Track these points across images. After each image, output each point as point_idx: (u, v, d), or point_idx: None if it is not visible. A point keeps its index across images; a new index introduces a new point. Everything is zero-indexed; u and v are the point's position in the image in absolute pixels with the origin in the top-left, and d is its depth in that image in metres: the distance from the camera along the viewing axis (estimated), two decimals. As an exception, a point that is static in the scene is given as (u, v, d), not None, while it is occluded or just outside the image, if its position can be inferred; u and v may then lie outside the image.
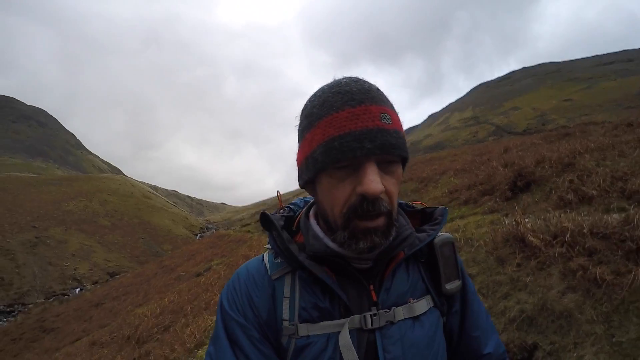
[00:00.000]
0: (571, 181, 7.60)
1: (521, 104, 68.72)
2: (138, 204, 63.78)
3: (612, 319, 3.11)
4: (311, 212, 1.24)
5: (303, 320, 1.11)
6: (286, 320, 1.12)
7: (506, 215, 7.17)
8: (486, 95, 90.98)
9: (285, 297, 1.14)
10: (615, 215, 4.76)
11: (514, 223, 5.36)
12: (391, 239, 1.09)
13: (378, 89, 1.09)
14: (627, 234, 3.96)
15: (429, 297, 1.22)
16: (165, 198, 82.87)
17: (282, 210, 1.34)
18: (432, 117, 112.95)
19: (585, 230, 4.35)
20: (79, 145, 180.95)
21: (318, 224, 1.19)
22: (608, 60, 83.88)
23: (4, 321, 27.38)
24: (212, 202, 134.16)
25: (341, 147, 0.99)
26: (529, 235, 4.80)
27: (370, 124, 0.99)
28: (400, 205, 1.31)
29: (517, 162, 10.74)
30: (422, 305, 1.18)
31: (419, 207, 1.37)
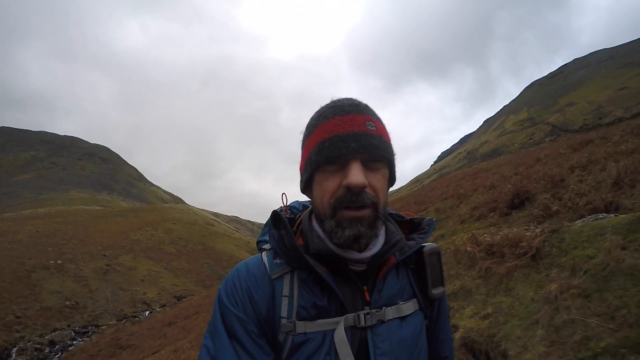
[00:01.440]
0: (547, 199, 8.77)
1: (576, 99, 66.87)
2: (201, 231, 65.30)
3: (491, 292, 4.95)
4: (313, 215, 1.32)
5: (301, 318, 1.17)
6: (284, 318, 1.18)
7: (500, 228, 7.98)
8: (540, 94, 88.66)
9: (284, 296, 1.20)
10: (532, 230, 6.18)
11: (470, 236, 6.98)
12: (378, 232, 1.20)
13: (367, 105, 1.25)
14: (524, 243, 5.55)
15: (415, 300, 1.31)
16: (227, 224, 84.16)
17: (284, 213, 1.40)
18: (488, 123, 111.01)
19: (499, 241, 6.05)
20: (141, 177, 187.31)
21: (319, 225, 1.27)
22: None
23: (80, 341, 28.72)
24: None
25: (330, 146, 1.14)
26: (467, 245, 6.51)
27: (356, 129, 1.15)
28: (391, 214, 1.43)
29: (518, 181, 11.72)
30: (408, 307, 1.27)
31: (408, 217, 1.47)
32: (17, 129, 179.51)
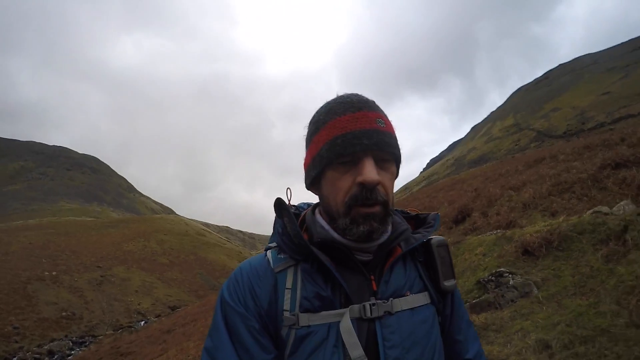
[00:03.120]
0: (476, 216, 11.34)
1: (561, 104, 68.14)
2: (193, 241, 65.57)
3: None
4: (317, 210, 1.33)
5: (304, 310, 1.15)
6: (287, 311, 1.16)
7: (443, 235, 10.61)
8: (526, 99, 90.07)
9: (287, 289, 1.18)
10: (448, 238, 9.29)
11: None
12: (388, 227, 1.22)
13: (374, 101, 1.26)
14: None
15: (426, 293, 1.28)
16: (218, 234, 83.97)
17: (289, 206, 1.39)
18: (475, 129, 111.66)
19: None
20: (131, 188, 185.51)
21: (323, 219, 1.28)
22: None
23: (78, 350, 29.18)
24: (264, 235, 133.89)
25: (343, 143, 1.13)
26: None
27: (368, 126, 1.15)
28: (396, 211, 1.42)
29: (469, 199, 14.67)
30: (419, 299, 1.25)
31: (413, 213, 1.47)
32: (5, 138, 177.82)
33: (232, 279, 1.23)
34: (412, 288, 1.26)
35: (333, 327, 1.12)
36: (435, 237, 1.36)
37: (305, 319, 1.13)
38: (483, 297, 5.85)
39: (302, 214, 1.38)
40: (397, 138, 1.25)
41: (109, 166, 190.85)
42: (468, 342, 1.40)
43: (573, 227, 6.21)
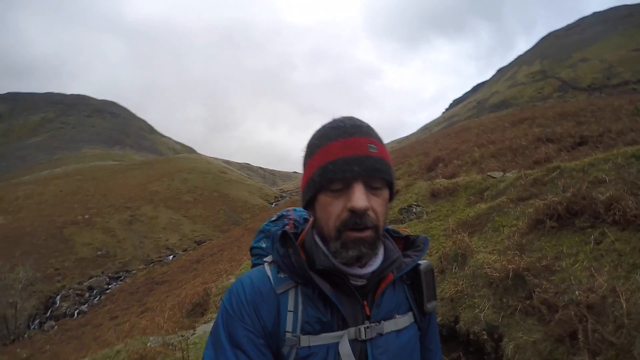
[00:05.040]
0: (440, 167, 14.36)
1: (590, 55, 65.14)
2: (215, 179, 66.82)
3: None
4: (315, 230, 1.33)
5: (305, 333, 1.20)
6: (289, 332, 1.20)
7: (415, 179, 13.09)
8: (555, 46, 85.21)
9: (289, 311, 1.22)
10: (404, 181, 12.91)
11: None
12: (378, 252, 1.26)
13: (368, 125, 1.28)
14: (398, 187, 10.68)
15: (411, 314, 1.36)
16: (239, 171, 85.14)
17: (289, 228, 1.50)
18: (501, 72, 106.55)
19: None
20: (151, 130, 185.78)
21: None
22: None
23: (115, 284, 31.98)
24: (285, 172, 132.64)
25: (334, 169, 1.16)
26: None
27: (359, 152, 1.17)
28: (387, 230, 1.44)
29: (450, 151, 17.22)
30: (404, 320, 1.32)
31: (404, 234, 1.50)
32: (24, 92, 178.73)
33: (235, 295, 1.25)
34: (400, 310, 1.34)
35: (332, 348, 1.19)
36: (423, 263, 1.42)
37: (306, 340, 1.19)
38: (396, 217, 9.15)
39: (301, 232, 1.43)
40: (390, 163, 1.27)
41: (128, 110, 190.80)
42: (437, 350, 1.53)
43: (466, 183, 9.28)
